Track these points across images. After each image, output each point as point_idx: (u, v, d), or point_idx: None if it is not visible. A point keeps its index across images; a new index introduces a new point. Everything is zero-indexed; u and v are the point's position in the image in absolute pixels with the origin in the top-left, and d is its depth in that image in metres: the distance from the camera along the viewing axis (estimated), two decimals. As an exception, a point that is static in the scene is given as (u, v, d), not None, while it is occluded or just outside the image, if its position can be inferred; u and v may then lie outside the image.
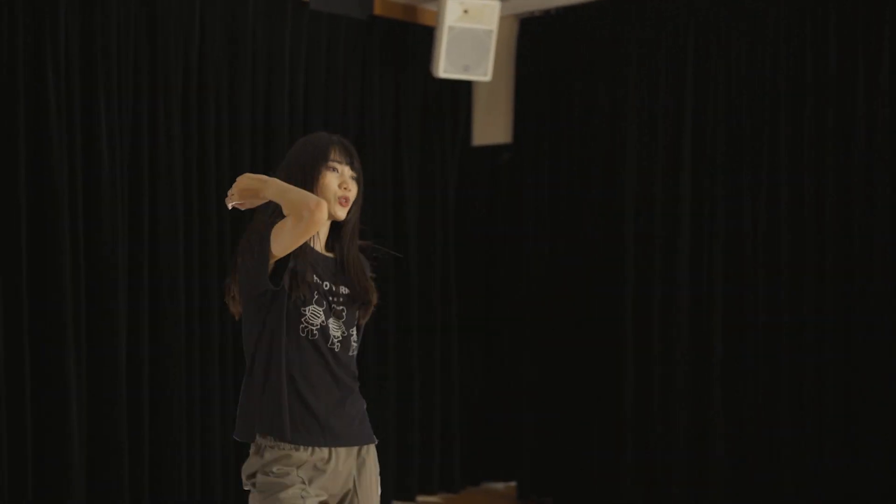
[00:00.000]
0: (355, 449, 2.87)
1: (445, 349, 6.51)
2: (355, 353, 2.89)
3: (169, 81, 5.16)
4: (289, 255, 2.72)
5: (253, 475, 2.78)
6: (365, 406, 2.94)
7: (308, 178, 2.79)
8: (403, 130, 6.34)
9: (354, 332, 2.87)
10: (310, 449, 2.77)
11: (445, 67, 6.02)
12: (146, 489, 5.03)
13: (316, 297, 2.78)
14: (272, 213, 2.76)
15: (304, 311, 2.76)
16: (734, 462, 5.48)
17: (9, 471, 4.59)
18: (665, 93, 5.80)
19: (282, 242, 2.68)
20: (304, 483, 2.74)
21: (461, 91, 6.64)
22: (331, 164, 2.83)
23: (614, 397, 5.90)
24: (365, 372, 5.95)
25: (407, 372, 6.28)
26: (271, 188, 2.73)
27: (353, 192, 2.85)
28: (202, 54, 5.34)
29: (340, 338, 2.82)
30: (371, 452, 2.92)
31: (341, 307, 2.83)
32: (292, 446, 2.75)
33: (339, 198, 2.83)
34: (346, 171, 2.85)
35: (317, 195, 2.75)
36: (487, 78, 6.16)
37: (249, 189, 2.77)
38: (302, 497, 2.72)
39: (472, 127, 6.75)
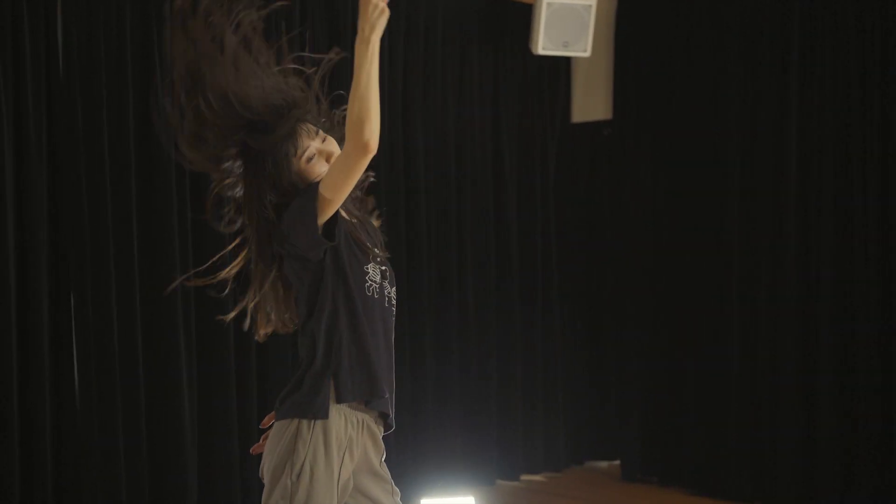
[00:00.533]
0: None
1: (548, 328, 6.48)
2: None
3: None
4: (335, 221, 2.61)
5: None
6: None
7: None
8: (502, 109, 6.31)
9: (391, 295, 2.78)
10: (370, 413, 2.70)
11: (544, 44, 5.97)
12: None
13: (371, 255, 2.72)
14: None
15: (367, 268, 2.70)
16: (844, 444, 5.36)
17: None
18: (769, 65, 5.66)
19: (337, 185, 2.54)
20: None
21: (560, 67, 6.58)
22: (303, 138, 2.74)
23: (721, 376, 5.81)
24: (468, 351, 6.04)
25: (509, 350, 6.27)
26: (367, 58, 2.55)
27: (328, 140, 2.78)
28: (301, 33, 5.37)
29: (393, 298, 2.78)
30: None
31: (385, 267, 2.78)
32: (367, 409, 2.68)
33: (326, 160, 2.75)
34: (319, 137, 2.75)
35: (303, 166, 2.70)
36: (587, 54, 6.08)
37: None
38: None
39: (572, 104, 6.69)
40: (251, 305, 2.80)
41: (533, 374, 6.38)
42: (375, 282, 2.70)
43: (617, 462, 6.54)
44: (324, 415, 2.61)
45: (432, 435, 5.80)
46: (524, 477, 6.32)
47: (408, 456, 5.63)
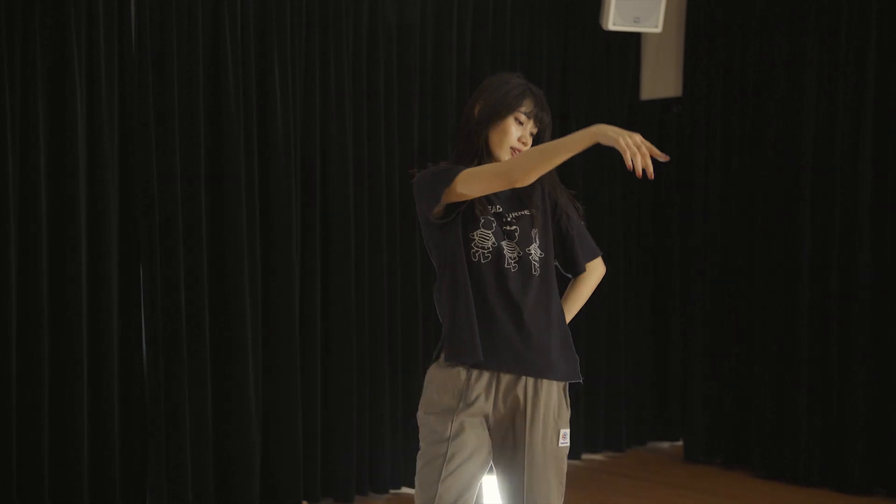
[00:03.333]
0: (523, 378, 2.86)
1: (611, 307, 6.44)
2: (540, 272, 2.89)
3: (339, 40, 5.21)
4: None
5: None
6: (553, 334, 2.91)
7: (494, 119, 2.89)
8: (571, 85, 6.25)
9: (535, 251, 2.88)
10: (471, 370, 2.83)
11: (615, 20, 5.88)
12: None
13: (483, 221, 2.84)
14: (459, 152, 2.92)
15: (473, 235, 2.83)
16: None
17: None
18: (847, 43, 5.52)
19: (472, 186, 2.76)
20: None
21: (630, 43, 6.49)
22: (519, 115, 2.90)
23: (788, 358, 5.73)
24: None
25: (572, 329, 6.22)
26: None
27: (527, 146, 2.91)
28: (372, 9, 5.37)
29: (517, 258, 2.85)
30: (543, 387, 2.87)
31: (513, 227, 2.87)
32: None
33: (513, 148, 2.90)
34: (530, 126, 2.92)
35: (495, 138, 2.89)
36: (658, 29, 5.99)
37: None
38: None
39: (641, 80, 6.60)
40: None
41: (596, 353, 6.34)
42: (484, 248, 2.82)
43: (680, 443, 6.49)
44: None
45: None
46: (585, 456, 6.30)
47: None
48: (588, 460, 6.28)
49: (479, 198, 2.83)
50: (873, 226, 5.45)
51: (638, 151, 2.63)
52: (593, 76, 6.35)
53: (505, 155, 2.90)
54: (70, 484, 4.45)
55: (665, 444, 6.70)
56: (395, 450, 5.37)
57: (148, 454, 4.68)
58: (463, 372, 2.82)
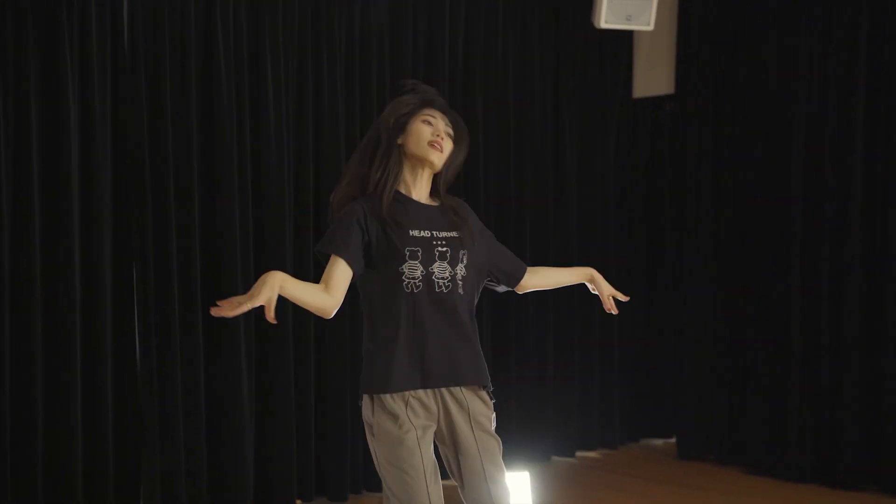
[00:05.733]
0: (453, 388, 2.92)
1: (605, 304, 6.44)
2: (464, 290, 2.93)
3: (331, 39, 5.22)
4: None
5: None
6: (473, 346, 2.96)
7: (403, 128, 2.92)
8: (563, 83, 6.26)
9: (460, 271, 2.91)
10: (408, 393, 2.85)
11: (607, 18, 5.89)
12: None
13: (408, 253, 2.86)
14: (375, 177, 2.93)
15: (403, 269, 2.85)
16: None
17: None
18: (838, 41, 5.54)
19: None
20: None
21: (622, 41, 6.50)
22: (424, 117, 2.92)
23: (780, 355, 5.75)
24: (525, 328, 6.03)
25: (566, 326, 6.26)
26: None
27: (447, 143, 2.94)
28: (364, 9, 5.38)
29: (447, 279, 2.88)
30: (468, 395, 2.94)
31: (445, 248, 2.89)
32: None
33: (431, 141, 2.91)
34: (441, 125, 2.94)
35: (411, 144, 2.91)
36: (650, 27, 6.00)
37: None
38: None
39: (634, 78, 6.61)
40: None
41: (590, 351, 6.36)
42: (414, 278, 2.85)
43: (673, 440, 6.51)
44: None
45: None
46: (579, 453, 6.32)
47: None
48: (582, 457, 6.29)
49: (400, 229, 2.86)
50: (864, 220, 5.46)
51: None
52: (586, 74, 6.36)
53: (427, 151, 2.91)
54: (64, 484, 4.45)
55: (658, 442, 6.72)
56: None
57: (141, 454, 4.68)
58: (401, 398, 2.85)
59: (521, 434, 5.94)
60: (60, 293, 4.46)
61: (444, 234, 2.91)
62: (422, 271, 2.85)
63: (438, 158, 2.92)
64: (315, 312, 2.82)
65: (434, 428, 2.89)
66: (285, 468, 5.05)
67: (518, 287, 3.22)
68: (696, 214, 6.23)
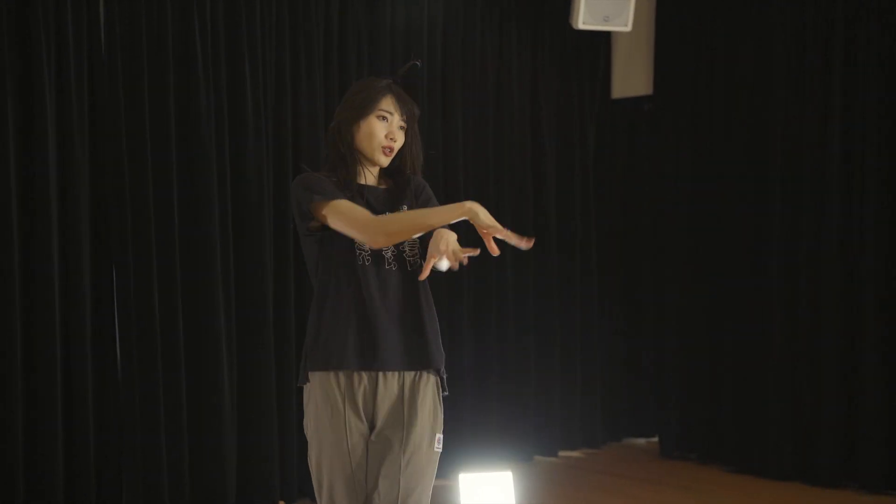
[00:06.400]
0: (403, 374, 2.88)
1: (586, 303, 6.47)
2: (413, 268, 2.89)
3: (310, 41, 5.22)
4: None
5: None
6: (426, 327, 2.90)
7: (356, 120, 2.91)
8: (542, 84, 6.28)
9: (409, 248, 2.90)
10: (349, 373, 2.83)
11: (585, 18, 5.92)
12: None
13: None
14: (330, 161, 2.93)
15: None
16: (887, 423, 5.31)
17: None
18: (813, 40, 5.58)
19: (334, 221, 2.81)
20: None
21: (600, 42, 6.53)
22: (380, 112, 2.92)
23: (761, 353, 5.77)
24: (506, 327, 6.03)
25: (547, 326, 6.27)
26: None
27: (398, 142, 2.94)
28: (342, 11, 5.38)
29: (393, 257, 2.87)
30: (422, 379, 2.91)
31: None
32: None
33: (384, 147, 2.92)
34: (396, 120, 2.93)
35: (363, 141, 2.91)
36: (628, 28, 6.03)
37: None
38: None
39: (612, 79, 6.64)
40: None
41: (571, 351, 6.37)
42: (365, 250, 2.85)
43: (655, 439, 6.53)
44: None
45: (471, 410, 5.81)
46: (562, 453, 6.33)
47: (446, 430, 5.64)
48: (565, 457, 6.29)
49: (356, 198, 2.87)
50: (841, 219, 5.49)
51: (496, 231, 2.77)
52: (564, 75, 6.38)
53: (378, 154, 2.92)
54: (45, 485, 4.42)
55: (641, 441, 6.74)
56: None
57: (123, 454, 4.66)
58: (343, 376, 2.83)
59: (503, 434, 5.94)
60: (39, 296, 4.43)
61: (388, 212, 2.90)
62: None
63: (387, 161, 2.95)
64: (396, 238, 2.79)
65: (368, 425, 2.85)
66: (268, 469, 5.03)
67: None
68: (674, 215, 6.25)
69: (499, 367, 6.02)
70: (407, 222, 2.78)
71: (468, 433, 5.78)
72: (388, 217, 2.83)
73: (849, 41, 5.46)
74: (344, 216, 2.79)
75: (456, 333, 5.80)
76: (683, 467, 6.09)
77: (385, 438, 2.83)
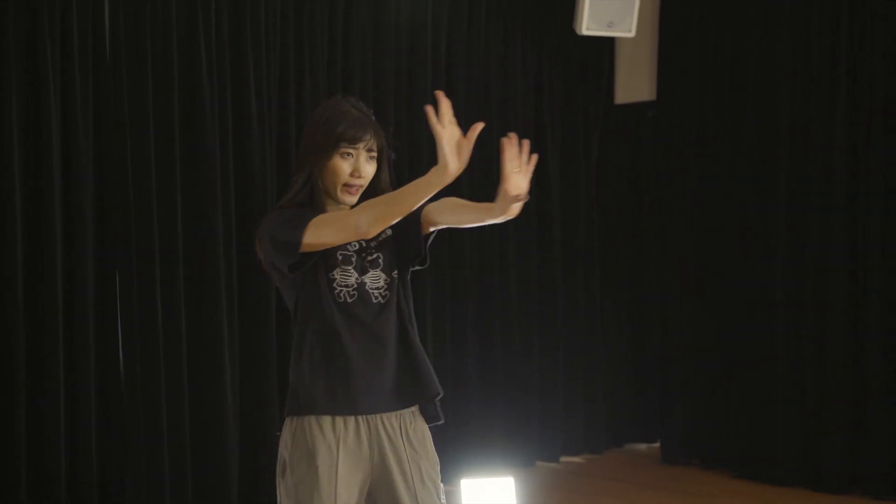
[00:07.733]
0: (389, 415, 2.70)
1: (590, 309, 6.46)
2: (397, 295, 2.72)
3: (314, 43, 5.22)
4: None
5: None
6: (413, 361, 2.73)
7: (321, 159, 2.68)
8: (546, 90, 6.28)
9: (394, 274, 2.72)
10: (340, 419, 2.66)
11: (588, 24, 5.92)
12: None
13: (341, 257, 2.67)
14: (298, 200, 2.69)
15: (334, 274, 2.66)
16: (893, 428, 5.30)
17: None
18: (819, 45, 5.58)
19: (321, 238, 2.57)
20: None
21: (604, 48, 6.53)
22: (343, 150, 2.67)
23: (766, 358, 5.76)
24: (509, 333, 6.03)
25: (550, 332, 6.26)
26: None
27: (364, 177, 2.71)
28: (346, 13, 5.38)
29: (381, 288, 2.69)
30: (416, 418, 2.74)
31: (375, 255, 2.70)
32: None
33: (347, 185, 2.69)
34: (361, 154, 2.69)
35: (327, 179, 2.68)
36: (632, 34, 6.03)
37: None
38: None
39: (616, 85, 6.64)
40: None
41: (574, 356, 6.37)
42: (347, 286, 2.66)
43: (657, 444, 6.52)
44: None
45: (473, 416, 5.80)
46: (564, 458, 6.32)
47: (448, 436, 5.64)
48: (567, 462, 6.29)
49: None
50: (846, 223, 5.49)
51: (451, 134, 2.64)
52: (568, 81, 6.38)
53: (342, 195, 2.69)
54: (48, 486, 4.42)
55: (643, 446, 6.73)
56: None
57: (126, 455, 4.65)
58: (332, 421, 2.67)
59: (505, 439, 5.93)
60: (42, 300, 4.43)
61: (373, 241, 2.71)
62: (356, 278, 2.66)
63: (353, 199, 2.71)
64: (386, 221, 2.55)
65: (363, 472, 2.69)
66: (270, 472, 5.02)
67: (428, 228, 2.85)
68: (679, 220, 6.24)
69: (502, 373, 6.01)
70: (386, 205, 2.54)
71: (470, 439, 5.77)
72: (368, 206, 2.56)
73: (854, 46, 5.45)
74: (328, 225, 2.57)
75: (459, 339, 5.80)
76: (686, 473, 6.08)
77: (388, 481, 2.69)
